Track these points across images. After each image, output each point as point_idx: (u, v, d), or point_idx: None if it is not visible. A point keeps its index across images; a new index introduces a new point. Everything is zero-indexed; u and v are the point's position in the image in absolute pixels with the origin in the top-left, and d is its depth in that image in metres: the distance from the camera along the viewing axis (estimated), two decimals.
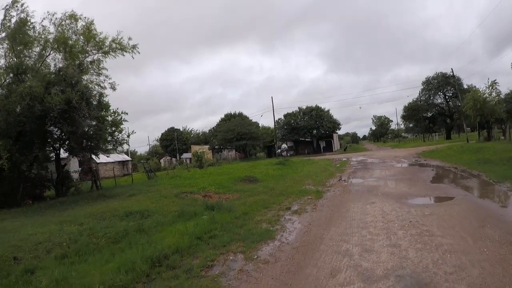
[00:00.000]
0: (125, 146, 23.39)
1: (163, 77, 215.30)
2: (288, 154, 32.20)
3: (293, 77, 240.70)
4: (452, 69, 39.97)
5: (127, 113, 20.46)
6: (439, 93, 63.82)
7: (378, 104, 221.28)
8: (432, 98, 64.70)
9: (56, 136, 19.28)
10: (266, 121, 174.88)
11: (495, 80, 29.47)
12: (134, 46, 20.29)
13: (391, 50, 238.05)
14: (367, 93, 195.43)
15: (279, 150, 31.98)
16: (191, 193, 14.77)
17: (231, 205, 11.17)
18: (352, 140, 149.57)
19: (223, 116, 73.40)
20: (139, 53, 20.47)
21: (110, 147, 21.94)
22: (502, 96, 31.27)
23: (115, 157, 53.97)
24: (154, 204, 12.47)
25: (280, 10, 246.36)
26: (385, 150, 47.57)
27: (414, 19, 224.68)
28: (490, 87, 29.63)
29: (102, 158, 47.81)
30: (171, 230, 8.40)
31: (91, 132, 18.23)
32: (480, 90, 30.72)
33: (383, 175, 16.88)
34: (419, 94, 65.61)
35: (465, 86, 59.13)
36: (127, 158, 58.66)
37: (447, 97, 63.81)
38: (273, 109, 50.92)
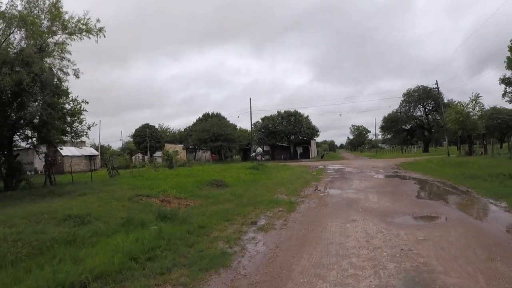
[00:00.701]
0: (84, 139, 21.38)
1: (149, 72, 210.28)
2: (263, 158, 30.69)
3: (279, 82, 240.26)
4: (436, 80, 39.41)
5: (87, 102, 18.65)
6: (419, 106, 63.99)
7: (358, 114, 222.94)
8: (412, 110, 64.80)
9: (9, 122, 17.25)
10: (244, 123, 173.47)
11: (479, 93, 28.75)
12: (100, 29, 18.57)
13: (376, 64, 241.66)
14: (349, 102, 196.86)
15: (253, 154, 30.37)
16: (148, 196, 12.95)
17: (188, 215, 9.51)
18: (329, 148, 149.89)
19: (200, 116, 71.44)
20: (104, 36, 18.83)
21: (67, 138, 20.04)
22: (485, 110, 30.44)
23: (82, 151, 51.46)
24: (101, 207, 10.63)
25: (275, 15, 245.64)
26: (362, 160, 46.68)
27: (401, 36, 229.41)
28: (474, 101, 28.88)
29: (68, 151, 45.69)
30: (107, 244, 6.71)
31: (44, 119, 16.22)
32: (464, 103, 29.92)
33: (363, 187, 15.55)
34: (399, 105, 65.63)
35: (446, 101, 59.70)
36: (95, 152, 55.83)
37: (427, 110, 64.07)
38: (251, 111, 49.53)
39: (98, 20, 18.48)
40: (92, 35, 18.43)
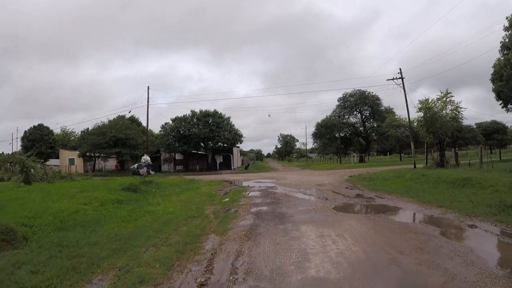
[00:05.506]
0: None
1: (96, 72, 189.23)
2: (152, 172, 20.99)
3: (228, 91, 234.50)
4: (400, 68, 32.53)
5: None
6: (356, 112, 58.80)
7: (295, 124, 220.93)
8: (347, 116, 59.52)
9: None
10: (157, 127, 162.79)
11: (450, 92, 21.91)
12: None
13: (321, 78, 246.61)
14: (289, 113, 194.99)
15: (134, 166, 20.41)
16: None
17: None
18: (257, 157, 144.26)
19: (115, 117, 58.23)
20: None
21: None
22: (461, 111, 23.16)
23: None
24: None
25: (239, 24, 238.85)
26: (296, 172, 38.28)
27: (349, 55, 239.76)
28: (444, 98, 21.93)
29: None
30: None
31: None
32: (432, 100, 22.66)
33: (343, 266, 5.70)
34: (334, 111, 60.07)
35: (383, 108, 55.55)
36: None
37: (363, 117, 59.07)
38: (148, 104, 40.10)
39: None
40: None
